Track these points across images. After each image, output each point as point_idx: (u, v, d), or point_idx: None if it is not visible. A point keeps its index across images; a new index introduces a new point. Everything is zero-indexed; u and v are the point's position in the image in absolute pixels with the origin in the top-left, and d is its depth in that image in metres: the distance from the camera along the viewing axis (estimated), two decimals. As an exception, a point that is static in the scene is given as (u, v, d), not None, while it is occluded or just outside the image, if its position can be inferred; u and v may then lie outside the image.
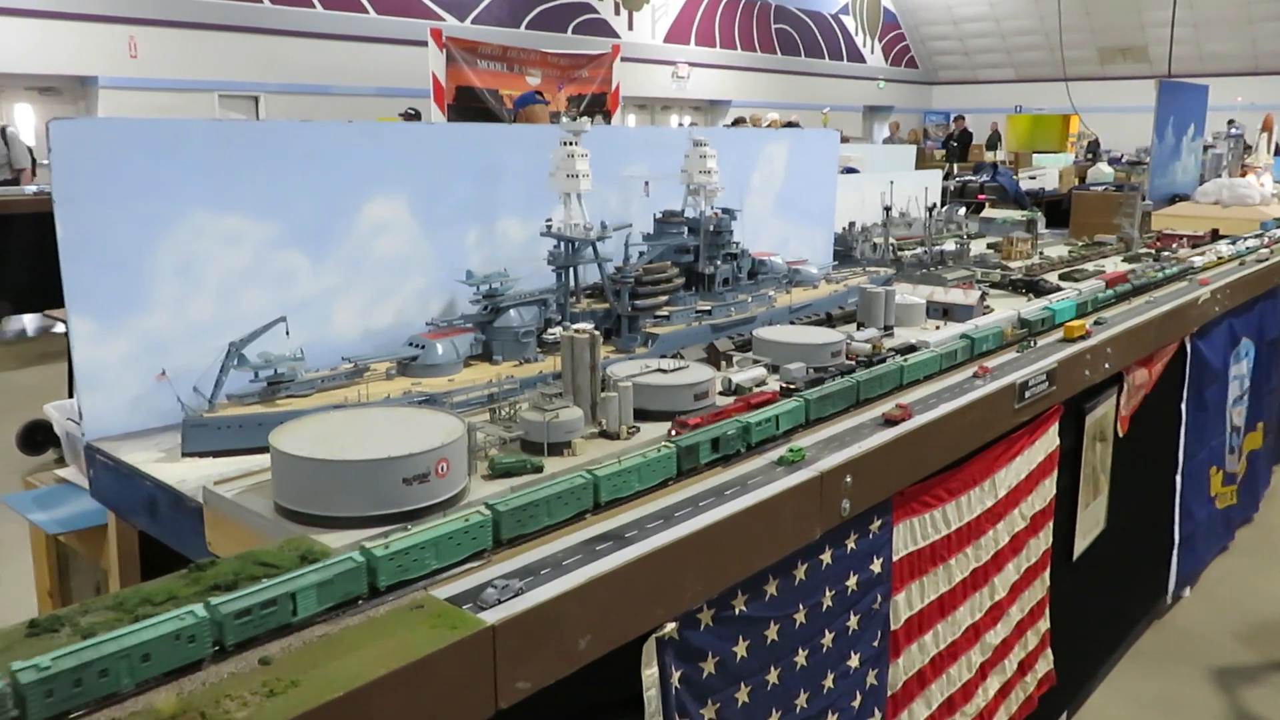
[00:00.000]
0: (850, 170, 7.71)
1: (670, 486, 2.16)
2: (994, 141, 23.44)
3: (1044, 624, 3.71)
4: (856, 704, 2.63)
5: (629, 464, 2.05)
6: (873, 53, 29.03)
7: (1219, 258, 5.70)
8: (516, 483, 2.13)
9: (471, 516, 1.77)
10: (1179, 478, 5.07)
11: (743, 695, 2.21)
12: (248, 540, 2.01)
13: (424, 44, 12.35)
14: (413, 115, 12.91)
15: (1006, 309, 4.00)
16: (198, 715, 1.29)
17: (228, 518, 2.10)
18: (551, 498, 1.89)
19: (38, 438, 6.81)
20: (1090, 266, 5.41)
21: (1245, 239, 6.44)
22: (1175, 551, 5.19)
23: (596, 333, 2.58)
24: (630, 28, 21.76)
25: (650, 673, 1.94)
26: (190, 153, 2.70)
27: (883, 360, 3.01)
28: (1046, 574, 3.67)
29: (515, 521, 1.82)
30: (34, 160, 12.31)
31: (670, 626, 1.95)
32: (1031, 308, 3.96)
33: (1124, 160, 16.40)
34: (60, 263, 2.50)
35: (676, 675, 2.01)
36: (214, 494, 2.12)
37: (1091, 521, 4.14)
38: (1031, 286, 4.60)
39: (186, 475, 2.33)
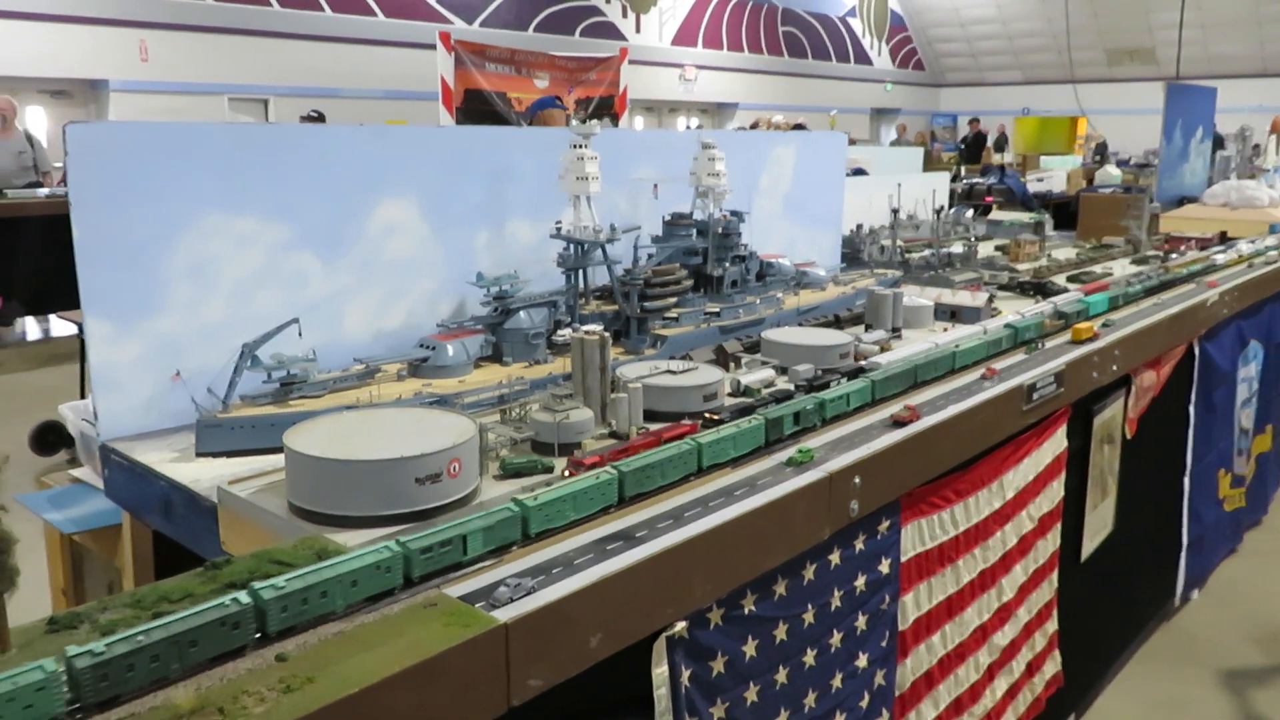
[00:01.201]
0: (859, 172, 7.72)
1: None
2: (1001, 143, 23.41)
3: (1052, 625, 3.71)
4: (864, 704, 2.64)
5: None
6: (880, 55, 29.02)
7: (1239, 255, 5.72)
8: (527, 482, 2.17)
9: (602, 475, 2.01)
10: (1187, 480, 5.06)
11: (751, 694, 2.23)
12: (262, 539, 2.03)
13: (432, 47, 12.39)
14: (316, 117, 12.83)
15: (1014, 310, 4.01)
16: (215, 711, 1.31)
17: (242, 517, 2.13)
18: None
19: (49, 438, 6.85)
20: (1099, 268, 5.41)
21: (1266, 239, 6.46)
22: (1183, 554, 5.18)
23: (606, 334, 2.60)
24: (638, 30, 21.78)
25: (660, 671, 1.95)
26: (204, 156, 2.73)
27: (825, 385, 2.76)
28: (1054, 575, 3.67)
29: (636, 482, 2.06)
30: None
31: (680, 625, 1.96)
32: (1068, 298, 4.02)
33: (1132, 162, 16.39)
34: (76, 265, 2.52)
35: (686, 674, 2.02)
36: (228, 494, 2.15)
37: (1099, 523, 4.14)
38: (1040, 289, 4.61)
39: (201, 475, 2.36)
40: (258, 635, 1.46)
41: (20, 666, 1.26)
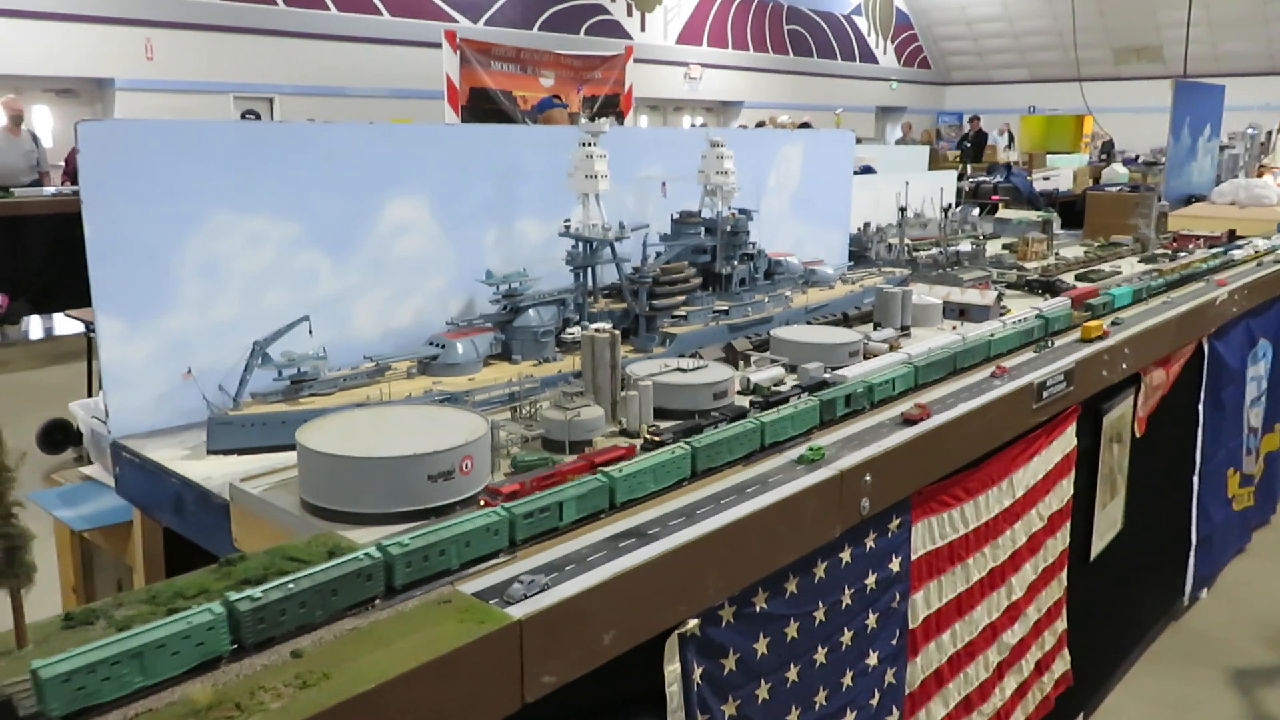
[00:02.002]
0: (868, 170, 7.71)
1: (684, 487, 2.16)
2: (1009, 140, 23.34)
3: (1061, 624, 3.71)
4: (875, 702, 2.64)
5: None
6: (885, 53, 28.98)
7: (1256, 251, 5.73)
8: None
9: (678, 450, 2.13)
10: (1196, 479, 5.05)
11: (763, 692, 2.23)
12: (274, 536, 2.04)
13: (438, 45, 12.41)
14: (252, 116, 12.75)
15: (1027, 307, 4.00)
16: (233, 706, 1.31)
17: (254, 514, 2.13)
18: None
19: (57, 437, 6.86)
20: (1107, 267, 5.40)
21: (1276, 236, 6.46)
22: (1192, 553, 5.17)
23: (616, 332, 2.60)
24: (643, 29, 21.77)
25: (673, 669, 1.95)
26: (214, 154, 2.73)
27: (784, 400, 2.56)
28: (1064, 574, 3.67)
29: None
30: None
31: (692, 623, 1.96)
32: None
33: (1140, 161, 16.34)
34: (88, 263, 2.53)
35: (698, 671, 2.02)
36: (241, 491, 2.15)
37: (1108, 522, 4.13)
38: (1048, 287, 4.60)
39: (212, 472, 2.36)
40: (384, 589, 1.60)
41: (192, 609, 1.42)
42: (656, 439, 2.24)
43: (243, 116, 12.48)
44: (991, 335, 3.39)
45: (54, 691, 1.24)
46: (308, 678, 1.38)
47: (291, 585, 1.48)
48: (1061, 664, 3.74)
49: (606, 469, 2.01)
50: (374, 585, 1.58)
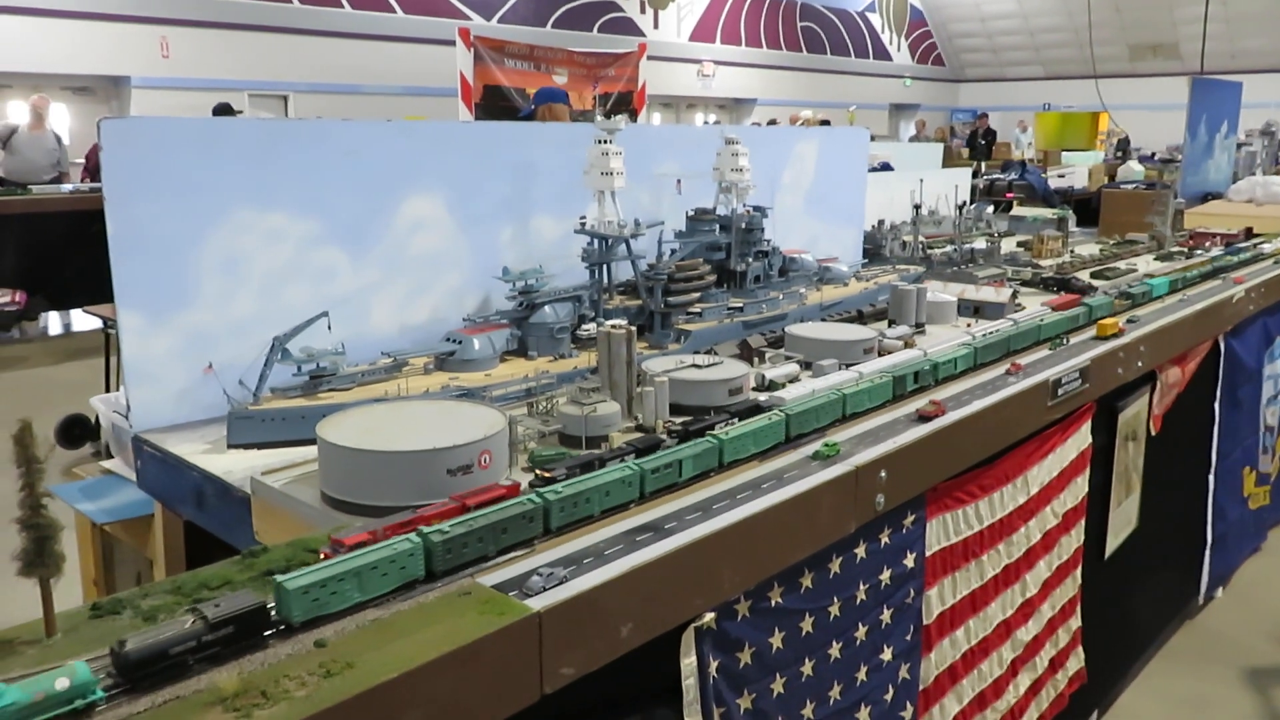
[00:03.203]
0: (886, 167, 7.69)
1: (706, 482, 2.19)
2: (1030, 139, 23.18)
3: (1075, 622, 3.71)
4: (889, 697, 2.65)
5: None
6: (899, 50, 28.87)
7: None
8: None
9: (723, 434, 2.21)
10: (1211, 477, 5.04)
11: (778, 686, 2.24)
12: (295, 529, 2.06)
13: (452, 43, 12.45)
14: (226, 110, 12.69)
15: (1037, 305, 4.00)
16: (259, 694, 1.34)
17: (275, 507, 2.15)
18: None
19: (75, 431, 6.92)
20: (1123, 265, 5.39)
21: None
22: (1207, 551, 5.15)
23: (632, 328, 2.62)
24: (656, 26, 21.75)
25: (689, 662, 1.97)
26: (235, 151, 2.76)
27: (703, 430, 2.28)
28: (1078, 572, 3.67)
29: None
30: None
31: (709, 616, 1.98)
32: (1132, 278, 4.16)
33: (1156, 158, 16.25)
34: (110, 258, 2.56)
35: (714, 665, 2.04)
36: (262, 484, 2.18)
37: (1123, 520, 4.12)
38: (1064, 284, 4.58)
39: (233, 466, 2.39)
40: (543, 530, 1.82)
41: (390, 540, 1.63)
42: (549, 475, 1.97)
43: (216, 111, 12.24)
44: (1041, 320, 3.61)
45: (295, 601, 1.48)
46: (331, 667, 1.40)
47: (471, 523, 1.70)
48: (1076, 661, 3.74)
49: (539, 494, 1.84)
50: (534, 526, 1.80)
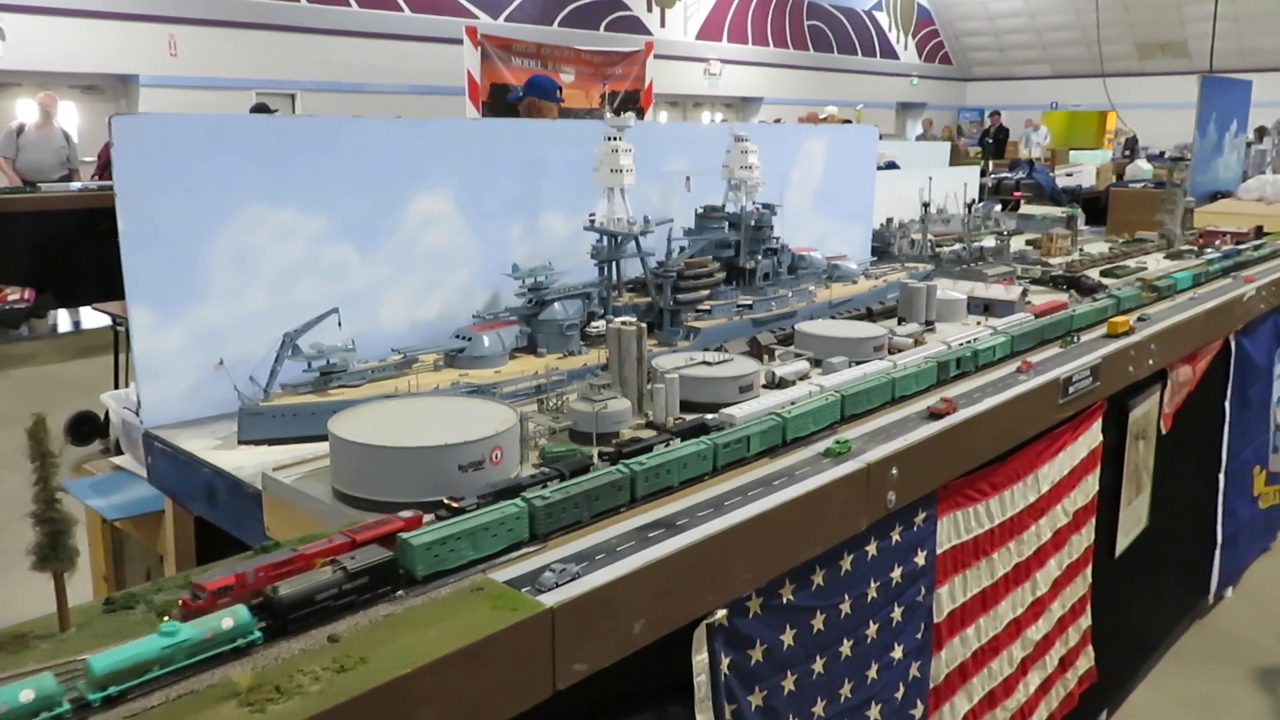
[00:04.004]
0: (892, 165, 7.68)
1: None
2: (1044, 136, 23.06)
3: (1085, 621, 3.69)
4: (899, 695, 2.64)
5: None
6: (906, 49, 28.80)
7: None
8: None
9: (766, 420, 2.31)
10: (1222, 477, 5.02)
11: (789, 684, 2.23)
12: (306, 525, 2.06)
13: (459, 42, 12.42)
14: (263, 109, 12.72)
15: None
16: (272, 689, 1.34)
17: (286, 503, 2.15)
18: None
19: (84, 429, 6.94)
20: (1133, 263, 5.37)
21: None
22: (1217, 551, 5.13)
23: (643, 325, 2.61)
24: (662, 25, 21.72)
25: (700, 659, 1.97)
26: (246, 148, 2.76)
27: (640, 451, 2.12)
28: (1088, 571, 3.65)
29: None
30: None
31: (720, 613, 1.97)
32: (1160, 270, 4.27)
33: (1166, 156, 16.19)
34: (121, 254, 2.56)
35: (726, 662, 2.03)
36: (273, 480, 2.18)
37: (1134, 519, 4.11)
38: (1073, 283, 4.57)
39: (243, 462, 2.39)
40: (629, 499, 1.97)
41: (499, 504, 1.78)
42: (456, 505, 1.81)
43: (253, 110, 12.43)
44: (1074, 310, 3.71)
45: (420, 556, 1.62)
46: (345, 662, 1.40)
47: (569, 489, 1.86)
48: (1086, 660, 3.72)
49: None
50: (622, 495, 1.94)
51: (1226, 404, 4.90)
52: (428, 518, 1.78)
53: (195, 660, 1.36)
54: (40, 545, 1.43)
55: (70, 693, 1.28)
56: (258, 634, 1.43)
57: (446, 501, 1.82)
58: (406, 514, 1.75)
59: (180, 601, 1.49)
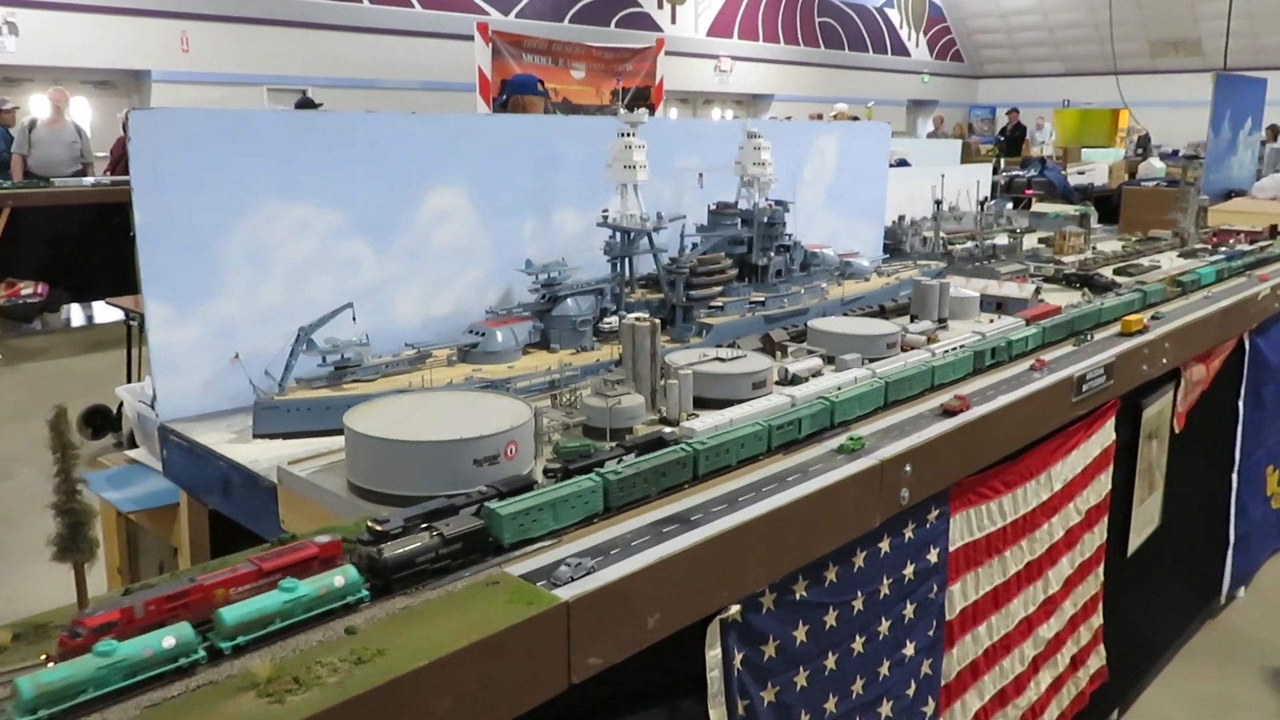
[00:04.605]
0: (902, 163, 7.66)
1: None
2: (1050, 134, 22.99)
3: (1097, 620, 3.69)
4: (911, 692, 2.64)
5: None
6: (917, 46, 28.71)
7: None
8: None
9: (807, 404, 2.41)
10: (1235, 476, 5.00)
11: (801, 679, 2.24)
12: (321, 517, 2.07)
13: (470, 38, 12.44)
14: (308, 104, 12.74)
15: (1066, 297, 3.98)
16: (291, 680, 1.34)
17: (301, 496, 2.16)
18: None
19: (97, 422, 6.98)
20: (1145, 261, 5.35)
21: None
22: (1230, 551, 5.11)
23: (656, 321, 2.62)
24: (673, 21, 21.70)
25: (714, 654, 1.97)
26: (261, 143, 2.77)
27: (589, 468, 1.99)
28: (1100, 569, 3.65)
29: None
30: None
31: (734, 609, 1.98)
32: (1186, 264, 4.38)
33: (1179, 155, 16.10)
34: (138, 249, 2.57)
35: (739, 657, 2.03)
36: (288, 473, 2.19)
37: (1146, 518, 4.10)
38: (1086, 281, 4.56)
39: (258, 456, 2.41)
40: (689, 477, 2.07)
41: (575, 479, 1.90)
42: (380, 529, 1.69)
43: (297, 105, 12.52)
44: (1103, 303, 3.79)
45: (507, 525, 1.73)
46: (362, 654, 1.41)
47: (639, 465, 1.97)
48: (1097, 659, 3.72)
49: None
50: (685, 472, 2.05)
51: (1240, 403, 4.88)
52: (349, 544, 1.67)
53: (313, 614, 1.49)
54: (61, 536, 1.44)
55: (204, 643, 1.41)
56: (365, 592, 1.55)
57: (372, 525, 1.68)
58: (323, 539, 1.64)
59: (59, 640, 1.37)
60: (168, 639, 1.36)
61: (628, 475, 1.93)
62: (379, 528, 1.68)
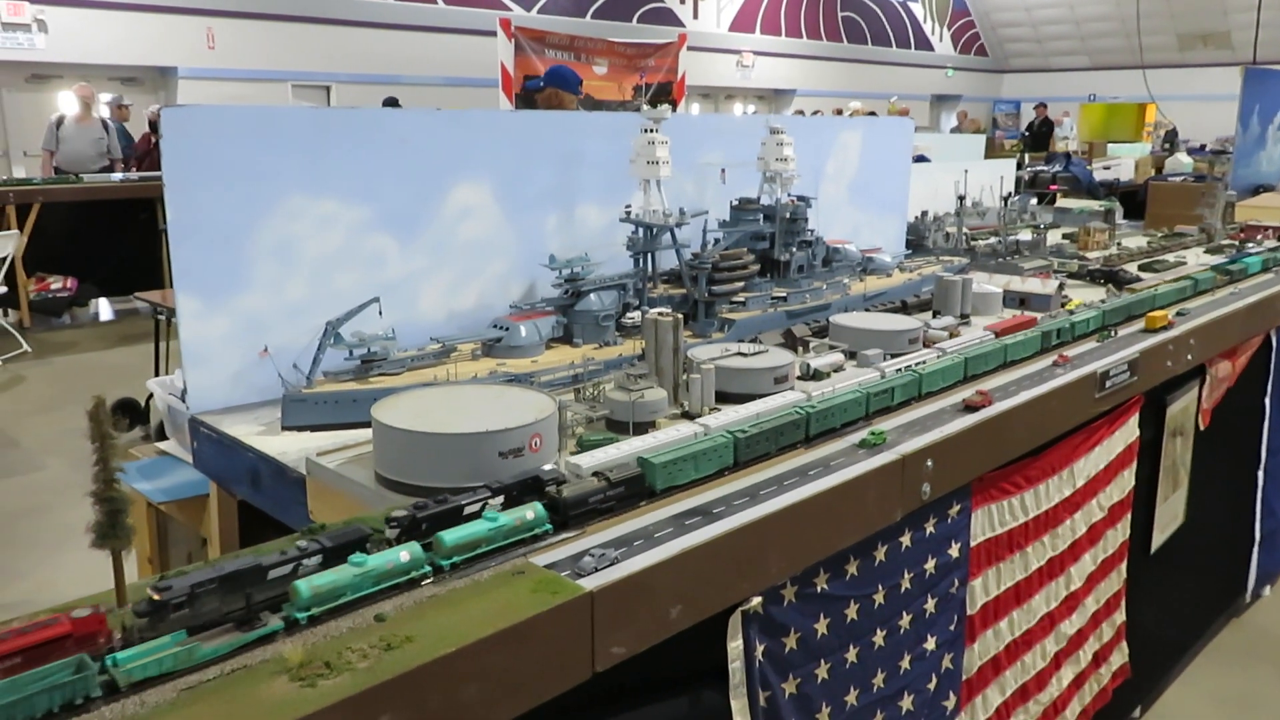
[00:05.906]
0: (921, 159, 7.63)
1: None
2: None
3: (1120, 616, 3.68)
4: (932, 686, 2.65)
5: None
6: (941, 40, 28.53)
7: None
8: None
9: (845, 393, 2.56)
10: (1261, 474, 4.95)
11: (822, 672, 2.25)
12: (349, 508, 2.11)
13: (493, 34, 12.47)
14: (393, 103, 12.86)
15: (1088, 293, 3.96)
16: (323, 665, 1.38)
17: (330, 487, 2.20)
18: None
19: (126, 415, 7.07)
20: (1171, 257, 5.30)
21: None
22: (1255, 549, 5.07)
23: (679, 316, 2.64)
24: (695, 16, 21.68)
25: (735, 645, 1.99)
26: (290, 139, 2.81)
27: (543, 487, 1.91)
28: (1123, 566, 3.63)
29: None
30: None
31: (756, 601, 1.99)
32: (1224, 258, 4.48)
33: (1207, 150, 15.93)
34: (169, 243, 2.62)
35: (760, 649, 2.05)
36: (317, 465, 2.22)
37: (1170, 515, 4.08)
38: (1111, 277, 4.53)
39: (287, 448, 2.44)
40: (802, 437, 2.32)
41: (709, 436, 2.18)
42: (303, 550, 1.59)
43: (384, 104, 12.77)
44: (1154, 290, 3.93)
45: (660, 472, 1.99)
46: (391, 640, 1.44)
47: (762, 425, 2.21)
48: (1120, 656, 3.71)
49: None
50: (799, 432, 2.29)
51: (1266, 400, 4.84)
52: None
53: (508, 542, 1.73)
54: (100, 524, 1.47)
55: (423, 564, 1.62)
56: (549, 525, 1.80)
57: (149, 591, 1.45)
58: (83, 612, 1.40)
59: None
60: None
61: (753, 434, 2.17)
62: (158, 596, 1.41)
